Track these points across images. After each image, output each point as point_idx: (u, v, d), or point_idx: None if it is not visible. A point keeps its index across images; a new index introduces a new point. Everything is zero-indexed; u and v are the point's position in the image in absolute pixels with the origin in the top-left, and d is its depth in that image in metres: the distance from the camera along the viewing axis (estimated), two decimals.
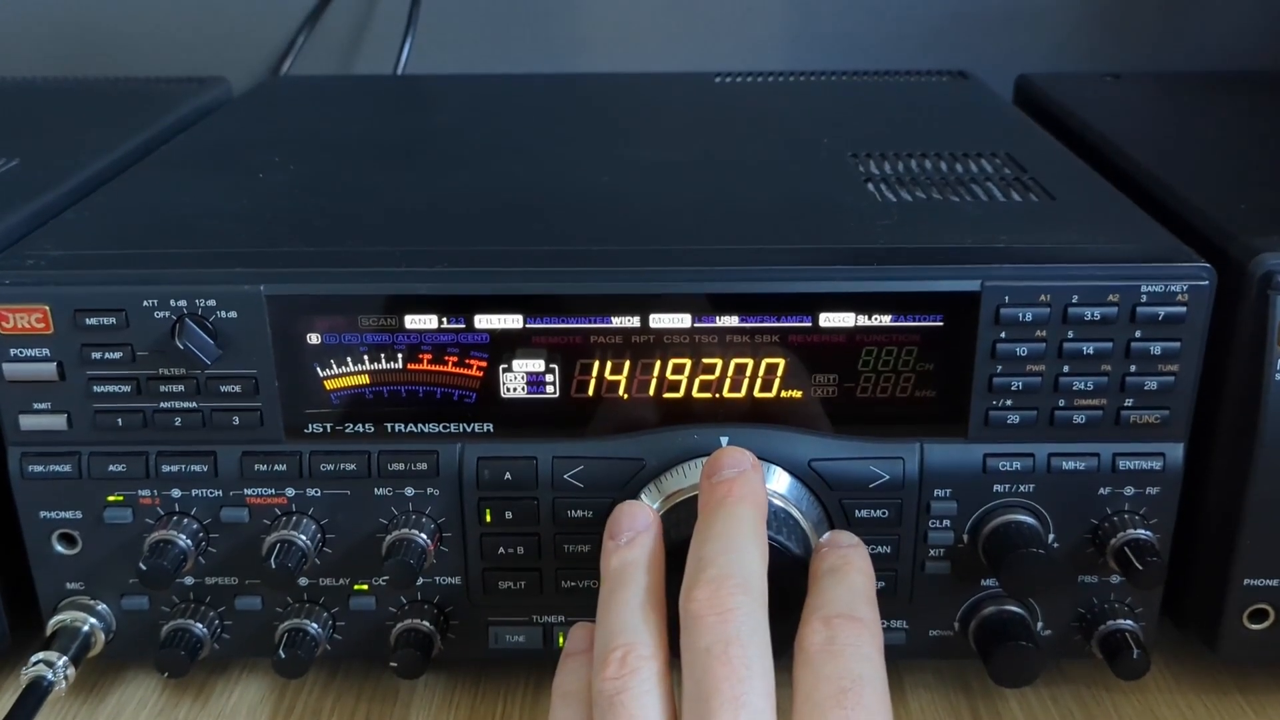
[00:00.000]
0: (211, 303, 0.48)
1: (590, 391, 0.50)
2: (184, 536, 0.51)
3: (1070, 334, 0.48)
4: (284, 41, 0.96)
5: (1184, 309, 0.48)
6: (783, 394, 0.50)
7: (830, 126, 0.71)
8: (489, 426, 0.51)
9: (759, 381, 0.50)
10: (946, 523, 0.51)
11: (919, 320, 0.49)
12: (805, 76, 0.84)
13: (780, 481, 0.50)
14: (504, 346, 0.49)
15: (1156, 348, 0.48)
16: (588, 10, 0.96)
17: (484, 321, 0.49)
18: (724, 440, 0.50)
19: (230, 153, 0.67)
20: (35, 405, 0.50)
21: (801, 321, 0.49)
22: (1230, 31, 0.94)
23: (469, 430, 0.51)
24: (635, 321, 0.49)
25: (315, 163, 0.64)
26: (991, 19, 0.94)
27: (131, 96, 0.79)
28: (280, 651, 0.52)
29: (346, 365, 0.50)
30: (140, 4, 0.96)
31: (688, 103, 0.79)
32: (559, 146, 0.68)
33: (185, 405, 0.50)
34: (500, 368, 0.50)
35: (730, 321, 0.49)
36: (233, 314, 0.48)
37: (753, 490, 0.45)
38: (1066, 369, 0.49)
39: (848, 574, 0.45)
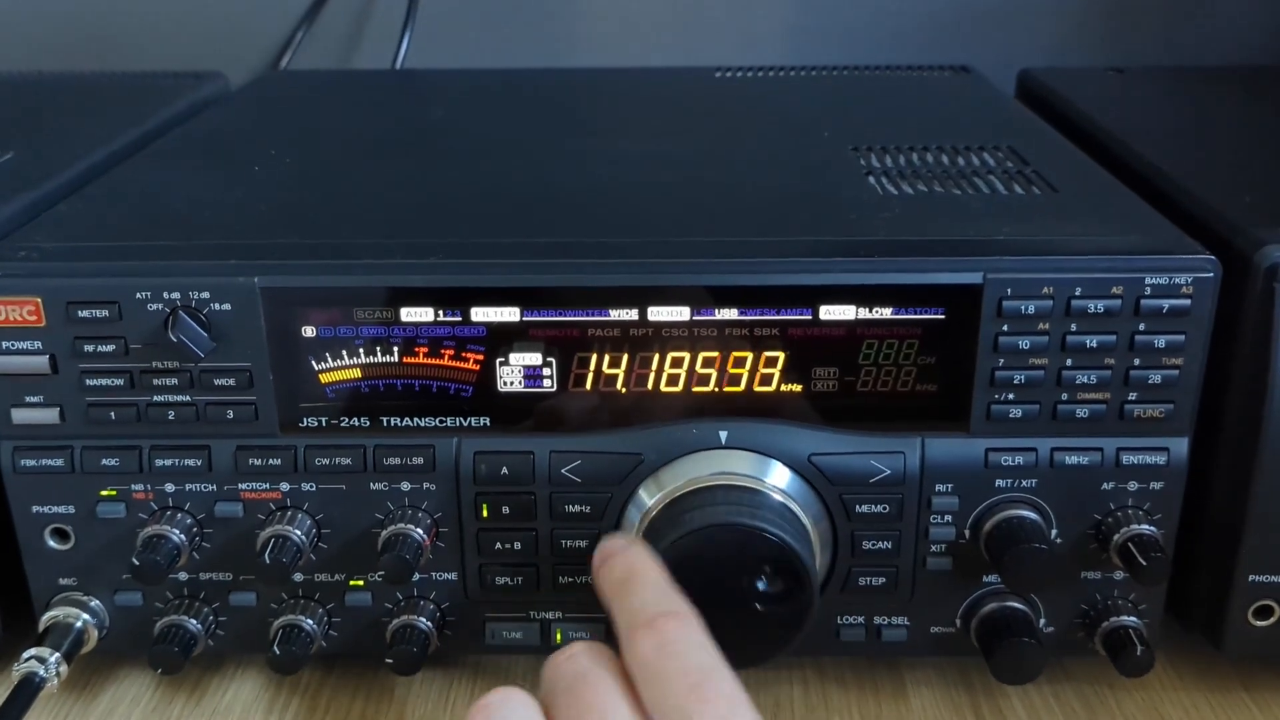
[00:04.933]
0: (205, 295, 0.48)
1: (588, 385, 0.50)
2: (178, 531, 0.50)
3: (1073, 327, 0.48)
4: (282, 36, 0.96)
5: (1188, 301, 0.47)
6: (783, 387, 0.50)
7: (831, 120, 0.71)
8: (486, 420, 0.50)
9: (758, 375, 0.50)
10: (948, 518, 0.50)
11: (920, 313, 0.48)
12: (806, 71, 0.84)
13: (780, 476, 0.49)
14: (501, 339, 0.49)
15: (1160, 341, 0.48)
16: (587, 5, 0.95)
17: (481, 314, 0.49)
18: (723, 435, 0.49)
19: (226, 146, 0.66)
20: (27, 398, 0.50)
21: (801, 314, 0.48)
22: (1233, 25, 0.94)
23: (465, 424, 0.50)
24: (633, 314, 0.49)
25: (312, 156, 0.64)
26: (993, 13, 0.94)
27: (127, 91, 0.79)
28: (275, 648, 0.52)
29: (342, 358, 0.49)
30: None
31: (688, 97, 0.78)
32: (557, 140, 0.67)
33: (179, 398, 0.49)
34: (497, 361, 0.49)
35: (730, 314, 0.49)
36: (226, 306, 0.48)
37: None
38: (1069, 362, 0.48)
39: (641, 574, 0.44)
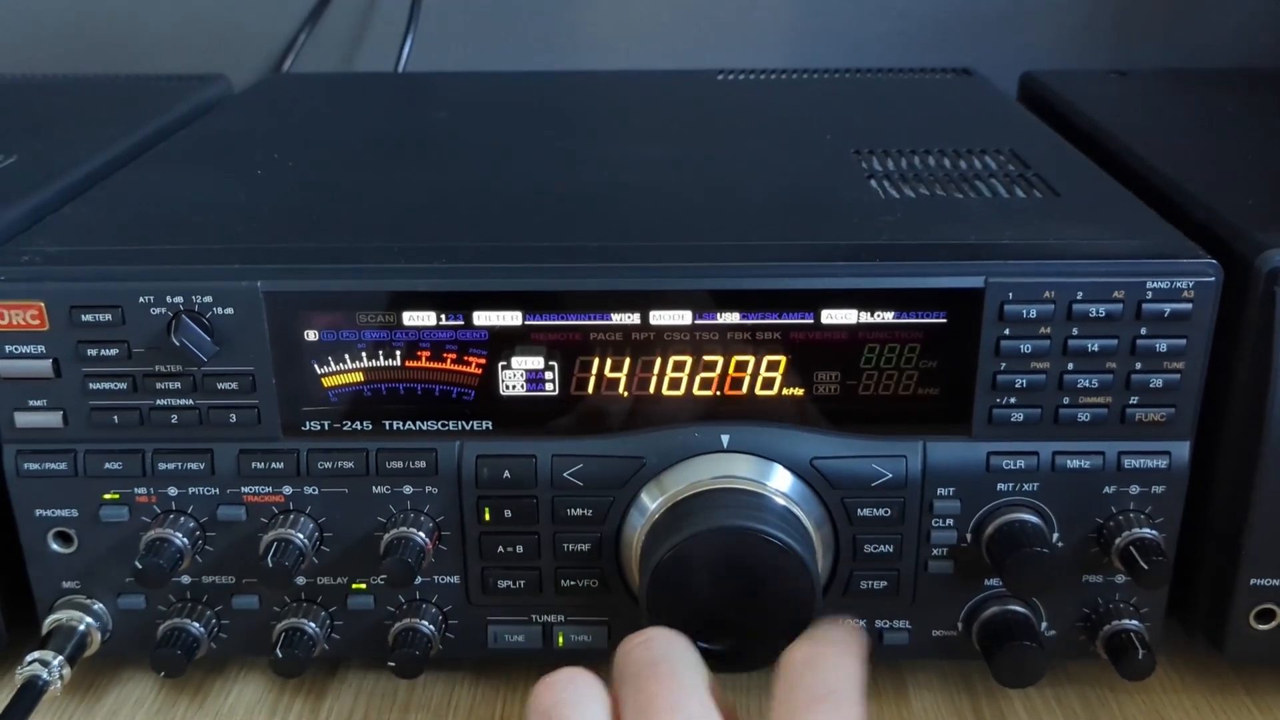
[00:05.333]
0: (208, 299, 0.48)
1: (590, 389, 0.50)
2: (180, 535, 0.50)
3: (1075, 331, 0.48)
4: (285, 39, 0.96)
5: (1190, 306, 0.47)
6: (784, 391, 0.50)
7: (833, 123, 0.71)
8: (488, 424, 0.50)
9: (760, 379, 0.50)
10: (949, 522, 0.50)
11: (922, 317, 0.48)
12: (808, 74, 0.84)
13: (782, 479, 0.49)
14: (503, 343, 0.49)
15: (1162, 345, 0.48)
16: (589, 8, 0.95)
17: (483, 318, 0.49)
18: (725, 438, 0.49)
19: (229, 149, 0.66)
20: (31, 402, 0.50)
21: (803, 318, 0.48)
22: (1236, 28, 0.94)
23: (468, 428, 0.50)
24: (636, 318, 0.49)
25: (315, 160, 0.64)
26: (995, 16, 0.94)
27: (131, 94, 0.79)
28: (278, 651, 0.52)
29: (344, 362, 0.49)
30: (142, 1, 0.95)
31: (690, 100, 0.78)
32: (560, 143, 0.67)
33: (182, 403, 0.50)
34: (499, 365, 0.49)
35: (731, 318, 0.49)
36: (229, 310, 0.48)
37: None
38: (1071, 366, 0.48)
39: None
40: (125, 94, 0.79)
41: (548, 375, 0.50)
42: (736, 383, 0.50)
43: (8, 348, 0.49)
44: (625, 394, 0.50)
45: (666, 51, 0.95)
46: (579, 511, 0.50)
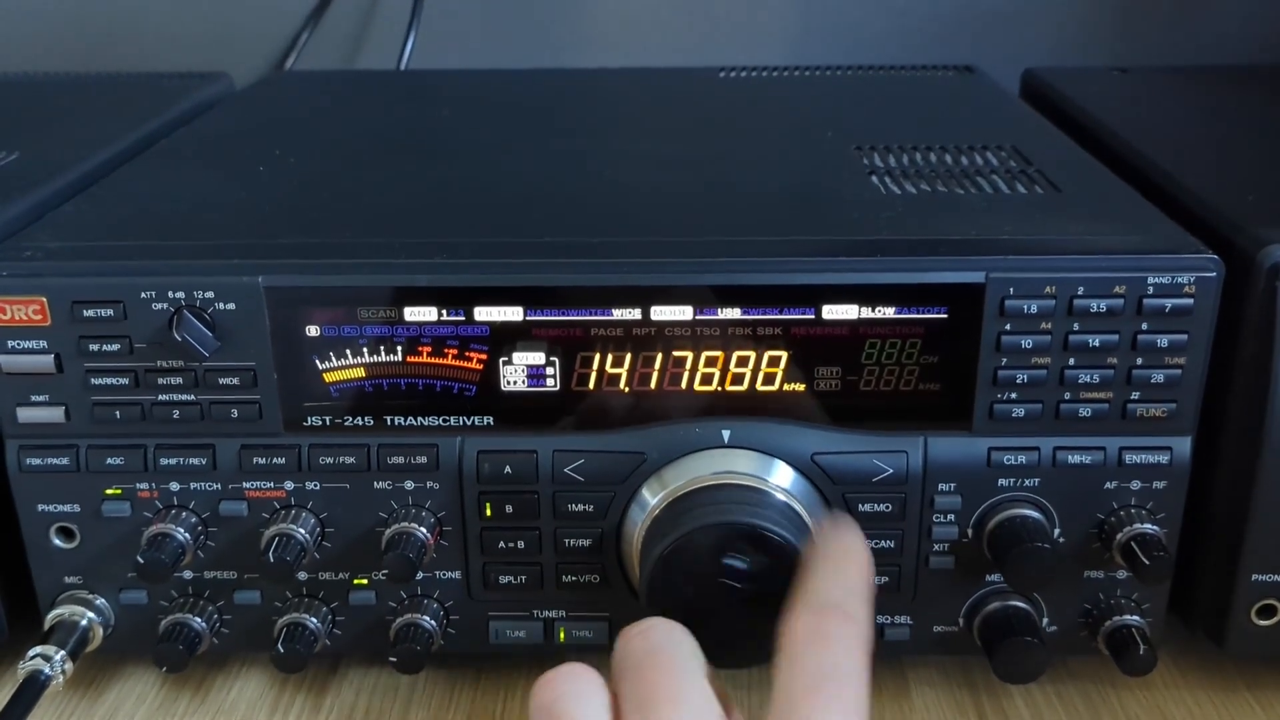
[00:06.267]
0: (210, 294, 0.48)
1: (591, 384, 0.50)
2: (182, 530, 0.51)
3: (1076, 326, 0.48)
4: (287, 37, 0.96)
5: (1191, 301, 0.47)
6: (785, 387, 0.50)
7: (834, 120, 0.71)
8: (489, 420, 0.50)
9: (761, 374, 0.50)
10: (951, 517, 0.50)
11: (923, 312, 0.48)
12: (810, 71, 0.84)
13: (783, 475, 0.49)
14: (504, 339, 0.49)
15: (1163, 340, 0.48)
16: (591, 5, 0.95)
17: (484, 314, 0.49)
18: (726, 434, 0.50)
19: (231, 146, 0.66)
20: (33, 397, 0.50)
21: (804, 314, 0.49)
22: (1237, 25, 0.94)
23: (469, 423, 0.50)
24: (637, 314, 0.49)
25: (316, 157, 0.64)
26: (997, 13, 0.94)
27: (133, 91, 0.79)
28: (279, 646, 0.52)
29: (346, 358, 0.50)
30: None
31: (692, 97, 0.78)
32: (562, 140, 0.67)
33: (183, 398, 0.50)
34: (500, 360, 0.49)
35: (732, 314, 0.49)
36: (231, 306, 0.48)
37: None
38: (1072, 361, 0.48)
39: (847, 567, 0.42)
40: (127, 91, 0.79)
41: (549, 371, 0.50)
42: (737, 378, 0.50)
43: (10, 343, 0.49)
44: (626, 389, 0.50)
45: (668, 48, 0.95)
46: (580, 507, 0.50)
